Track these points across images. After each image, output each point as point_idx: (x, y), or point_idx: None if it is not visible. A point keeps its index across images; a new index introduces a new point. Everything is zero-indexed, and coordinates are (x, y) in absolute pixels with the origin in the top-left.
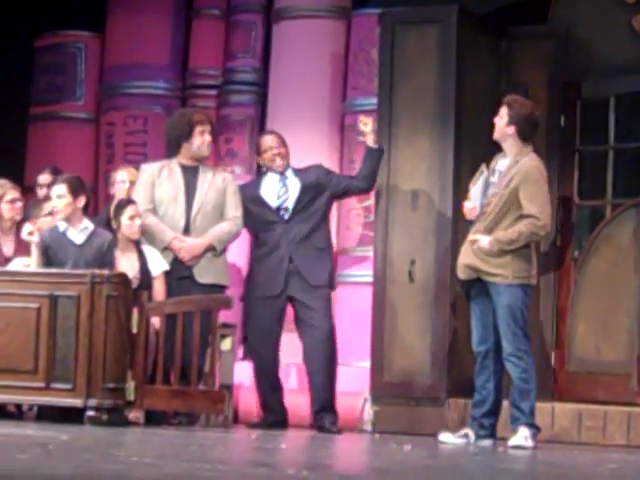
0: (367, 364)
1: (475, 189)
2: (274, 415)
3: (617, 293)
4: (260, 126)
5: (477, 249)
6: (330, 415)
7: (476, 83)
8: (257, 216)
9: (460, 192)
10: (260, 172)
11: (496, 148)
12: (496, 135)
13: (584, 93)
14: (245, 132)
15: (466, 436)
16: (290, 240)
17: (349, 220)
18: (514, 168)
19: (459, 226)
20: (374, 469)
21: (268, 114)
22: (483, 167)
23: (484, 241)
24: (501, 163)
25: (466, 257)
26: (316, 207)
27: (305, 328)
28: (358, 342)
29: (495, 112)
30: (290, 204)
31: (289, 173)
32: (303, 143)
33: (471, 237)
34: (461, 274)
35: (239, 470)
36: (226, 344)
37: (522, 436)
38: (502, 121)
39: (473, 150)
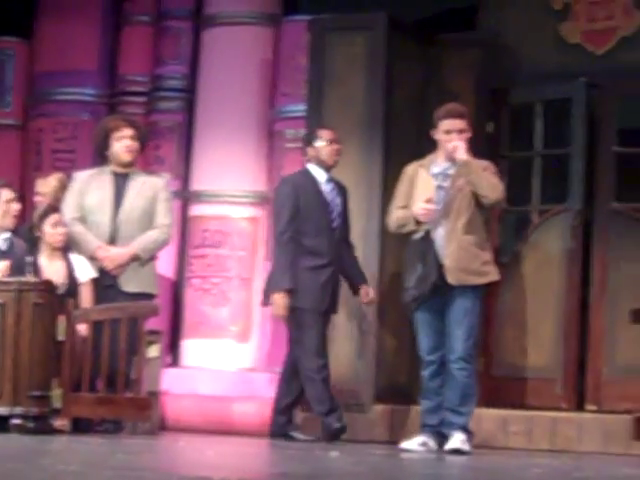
0: None
1: (429, 192)
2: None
3: (543, 298)
4: (188, 133)
5: (463, 251)
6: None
7: (405, 90)
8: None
9: (387, 200)
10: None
11: (423, 155)
12: (464, 152)
13: (512, 99)
14: (173, 139)
15: (425, 444)
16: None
17: None
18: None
19: (386, 234)
20: (301, 475)
21: (196, 121)
22: (422, 171)
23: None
24: (441, 167)
25: (458, 261)
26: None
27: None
28: (281, 348)
29: (424, 120)
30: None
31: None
32: (231, 150)
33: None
34: (453, 280)
35: (166, 477)
36: (153, 351)
37: (459, 440)
38: (466, 134)
39: (401, 158)
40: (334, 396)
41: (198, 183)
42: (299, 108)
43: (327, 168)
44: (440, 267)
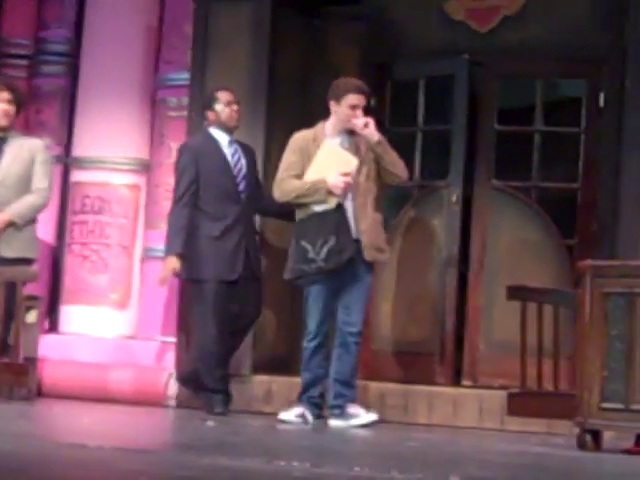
0: (172, 339)
1: (347, 165)
2: (222, 397)
3: (423, 273)
4: (71, 98)
5: (374, 227)
6: None
7: (289, 61)
8: (214, 184)
9: (271, 168)
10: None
11: (305, 125)
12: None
13: (395, 75)
14: (56, 103)
15: (302, 416)
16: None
17: (158, 195)
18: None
19: None
20: (175, 444)
21: (80, 86)
22: (328, 142)
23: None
24: (338, 140)
25: (373, 237)
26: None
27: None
28: (163, 317)
29: (307, 90)
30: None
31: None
32: (114, 116)
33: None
34: (369, 256)
35: (40, 444)
36: (31, 316)
37: (358, 412)
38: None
39: (284, 127)
40: (227, 377)
41: (80, 149)
42: (183, 76)
43: (229, 130)
44: (354, 242)
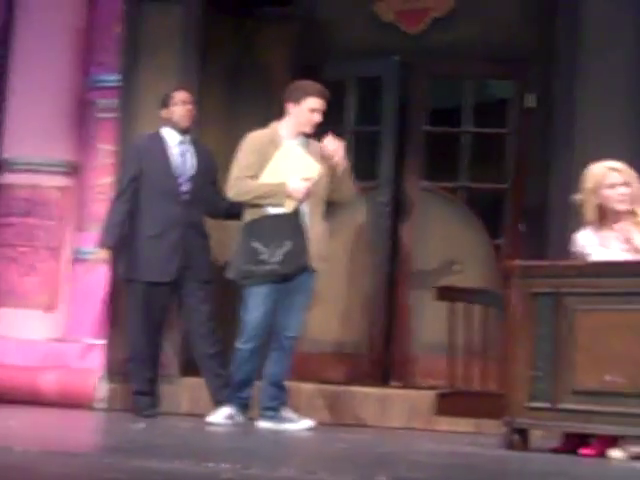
0: (102, 341)
1: (310, 170)
2: (151, 399)
3: (353, 274)
4: (0, 97)
5: (322, 237)
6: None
7: (220, 62)
8: (155, 183)
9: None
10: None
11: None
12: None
13: (325, 75)
14: None
15: (232, 417)
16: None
17: (87, 197)
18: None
19: None
20: (104, 447)
21: (8, 88)
22: (297, 148)
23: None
24: (294, 142)
25: (320, 247)
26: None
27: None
28: (91, 319)
29: (238, 91)
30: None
31: (187, 138)
32: (43, 118)
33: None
34: (315, 265)
35: None
36: None
37: (292, 416)
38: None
39: (214, 128)
40: (156, 379)
41: (8, 151)
42: (113, 78)
43: (181, 130)
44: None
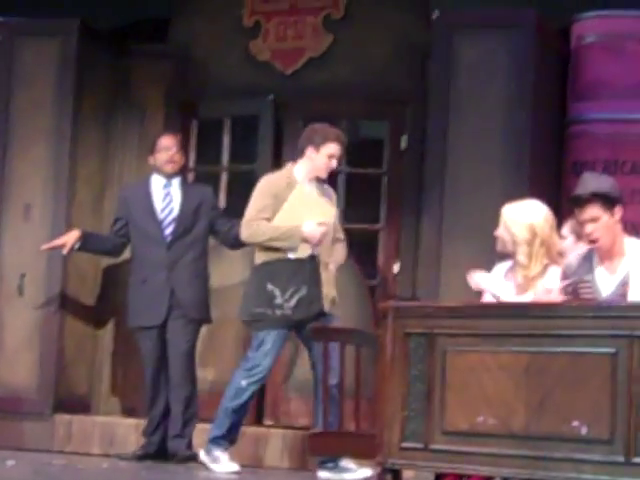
0: None
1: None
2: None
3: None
4: None
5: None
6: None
7: (94, 98)
8: (139, 228)
9: (75, 204)
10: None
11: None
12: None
13: (201, 113)
14: None
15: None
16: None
17: None
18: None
19: None
20: None
21: None
22: (307, 189)
23: (333, 266)
24: (311, 188)
25: (330, 290)
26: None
27: None
28: None
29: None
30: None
31: (175, 182)
32: None
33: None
34: (327, 306)
35: None
36: None
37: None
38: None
39: (87, 164)
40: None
41: None
42: None
43: (167, 175)
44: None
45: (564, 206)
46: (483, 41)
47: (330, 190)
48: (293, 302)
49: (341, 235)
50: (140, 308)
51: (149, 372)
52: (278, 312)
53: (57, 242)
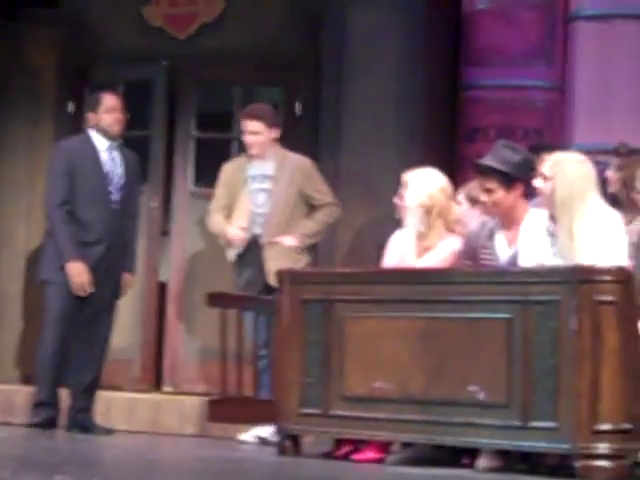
0: None
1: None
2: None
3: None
4: None
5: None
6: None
7: None
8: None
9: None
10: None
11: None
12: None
13: (94, 78)
14: None
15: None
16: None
17: None
18: (287, 168)
19: None
20: None
21: None
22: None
23: (290, 241)
24: (258, 168)
25: (277, 262)
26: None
27: None
28: None
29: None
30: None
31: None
32: None
33: (273, 240)
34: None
35: None
36: None
37: None
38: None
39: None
40: (57, 393)
41: None
42: None
43: (110, 137)
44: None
45: (457, 171)
46: (374, 6)
47: (291, 159)
48: (241, 284)
49: (322, 201)
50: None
51: (60, 332)
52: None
53: (83, 279)
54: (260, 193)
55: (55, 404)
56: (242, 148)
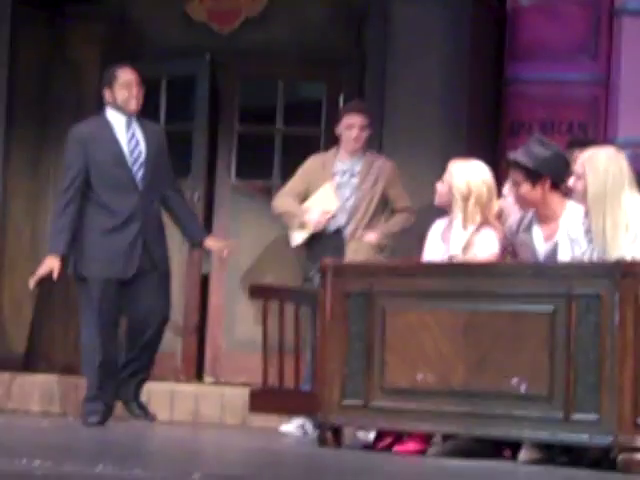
0: None
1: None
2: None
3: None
4: None
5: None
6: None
7: (31, 58)
8: (107, 174)
9: (10, 167)
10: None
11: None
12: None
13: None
14: None
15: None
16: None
17: None
18: (374, 167)
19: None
20: None
21: None
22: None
23: (372, 237)
24: (346, 164)
25: (358, 255)
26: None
27: None
28: None
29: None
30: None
31: (134, 121)
32: None
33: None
34: None
35: None
36: None
37: None
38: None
39: (25, 122)
40: (108, 386)
41: None
42: None
43: (126, 113)
44: None
45: (501, 165)
46: (419, 2)
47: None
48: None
49: (402, 204)
50: (112, 259)
51: (101, 326)
52: (307, 285)
53: (41, 272)
54: (346, 187)
55: (106, 398)
56: (299, 142)
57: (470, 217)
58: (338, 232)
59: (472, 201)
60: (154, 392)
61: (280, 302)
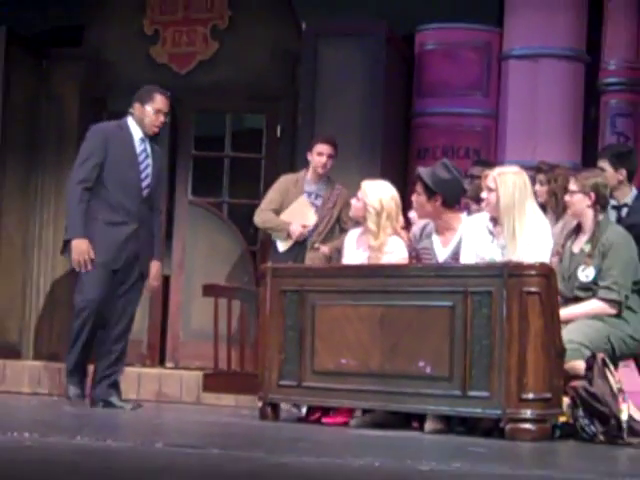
0: None
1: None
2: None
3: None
4: None
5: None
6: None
7: (20, 96)
8: (119, 173)
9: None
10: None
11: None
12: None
13: (110, 107)
14: None
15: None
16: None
17: None
18: (334, 193)
19: None
20: None
21: None
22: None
23: (325, 249)
24: (313, 187)
25: (312, 262)
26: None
27: None
28: None
29: (35, 122)
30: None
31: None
32: None
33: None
34: None
35: None
36: None
37: None
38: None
39: (15, 149)
40: (85, 362)
41: None
42: None
43: (145, 132)
44: None
45: (410, 184)
46: (343, 47)
47: (335, 187)
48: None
49: (348, 224)
50: (109, 248)
51: (84, 313)
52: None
53: (79, 257)
54: (311, 206)
55: (84, 376)
56: (244, 165)
57: (382, 229)
58: (303, 242)
59: (384, 215)
60: (124, 375)
61: (228, 299)
